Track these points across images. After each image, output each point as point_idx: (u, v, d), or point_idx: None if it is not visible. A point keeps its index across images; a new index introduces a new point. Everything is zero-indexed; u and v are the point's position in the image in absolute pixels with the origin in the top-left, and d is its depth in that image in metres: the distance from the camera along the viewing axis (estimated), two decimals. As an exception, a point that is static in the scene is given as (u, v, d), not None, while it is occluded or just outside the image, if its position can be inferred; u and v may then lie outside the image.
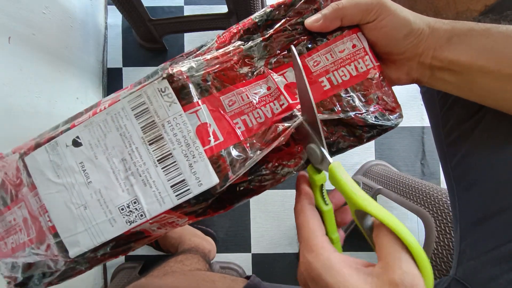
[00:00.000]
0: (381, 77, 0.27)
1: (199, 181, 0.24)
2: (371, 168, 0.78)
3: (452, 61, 0.25)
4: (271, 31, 0.27)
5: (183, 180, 0.24)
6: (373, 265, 0.20)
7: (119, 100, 0.25)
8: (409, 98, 0.83)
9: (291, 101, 0.26)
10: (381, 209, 0.20)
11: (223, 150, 0.25)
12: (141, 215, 0.25)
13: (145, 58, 0.84)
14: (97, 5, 0.81)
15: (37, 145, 0.26)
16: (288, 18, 0.28)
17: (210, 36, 0.91)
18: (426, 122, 0.82)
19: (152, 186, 0.24)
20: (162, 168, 0.24)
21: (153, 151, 0.24)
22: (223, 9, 0.68)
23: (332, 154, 0.27)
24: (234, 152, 0.25)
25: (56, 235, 0.26)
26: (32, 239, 0.27)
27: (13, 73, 0.49)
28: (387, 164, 0.80)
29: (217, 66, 0.26)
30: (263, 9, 0.28)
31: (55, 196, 0.25)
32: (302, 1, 0.28)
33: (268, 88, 0.27)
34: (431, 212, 0.50)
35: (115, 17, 0.85)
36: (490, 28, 0.24)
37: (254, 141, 0.26)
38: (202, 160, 0.24)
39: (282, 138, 0.25)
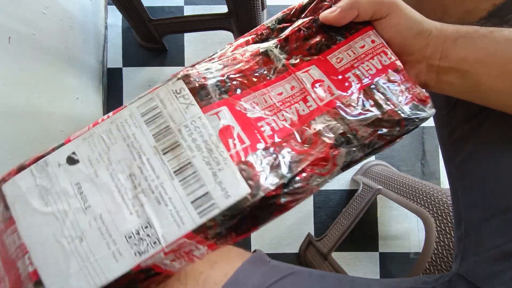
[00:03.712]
0: (405, 69, 0.26)
1: (226, 192, 0.20)
2: (371, 168, 0.78)
3: (459, 60, 0.25)
4: (287, 32, 0.27)
5: (206, 193, 0.20)
6: None
7: (126, 106, 0.22)
8: (409, 98, 0.83)
9: (320, 103, 0.24)
10: None
11: (251, 154, 0.21)
12: (155, 242, 0.20)
13: (145, 58, 0.84)
14: (97, 5, 0.81)
15: (21, 168, 0.22)
16: (301, 21, 0.27)
17: (210, 36, 0.91)
18: (426, 122, 0.82)
19: (168, 203, 0.20)
20: (179, 181, 0.21)
21: (168, 161, 0.21)
22: (223, 9, 0.68)
23: (366, 155, 0.25)
24: (264, 157, 0.21)
25: (38, 283, 0.20)
26: None
27: (13, 73, 0.49)
28: (387, 164, 0.80)
29: (236, 67, 0.24)
30: (275, 16, 0.28)
31: (41, 229, 0.20)
32: (313, 3, 0.27)
33: (292, 88, 0.25)
34: (431, 212, 0.50)
35: (115, 17, 0.85)
36: (493, 31, 0.25)
37: (284, 144, 0.23)
38: (228, 166, 0.21)
39: (321, 147, 0.23)
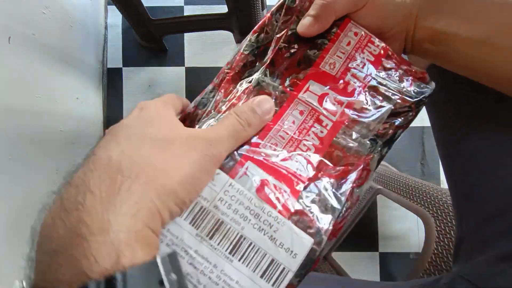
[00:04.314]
0: (389, 46, 0.26)
1: (291, 252, 0.19)
2: (371, 168, 0.78)
3: (432, 30, 0.25)
4: (270, 55, 0.25)
5: (272, 260, 0.19)
6: None
7: None
8: (409, 98, 0.83)
9: (334, 118, 0.24)
10: None
11: (296, 200, 0.20)
12: None
13: (145, 58, 0.84)
14: (97, 5, 0.81)
15: None
16: (277, 37, 0.26)
17: (210, 36, 0.91)
18: (426, 122, 0.82)
19: None
20: (239, 260, 0.19)
21: (218, 244, 0.19)
22: (223, 9, 0.68)
23: (390, 148, 0.26)
24: (308, 197, 0.21)
25: None
26: None
27: (13, 73, 0.49)
28: (387, 164, 0.80)
29: None
30: (247, 38, 0.26)
31: None
32: (281, 14, 0.26)
33: (301, 113, 0.24)
34: (431, 212, 0.50)
35: (115, 17, 0.85)
36: None
37: (320, 175, 0.22)
38: (283, 225, 0.19)
39: (355, 162, 0.22)
